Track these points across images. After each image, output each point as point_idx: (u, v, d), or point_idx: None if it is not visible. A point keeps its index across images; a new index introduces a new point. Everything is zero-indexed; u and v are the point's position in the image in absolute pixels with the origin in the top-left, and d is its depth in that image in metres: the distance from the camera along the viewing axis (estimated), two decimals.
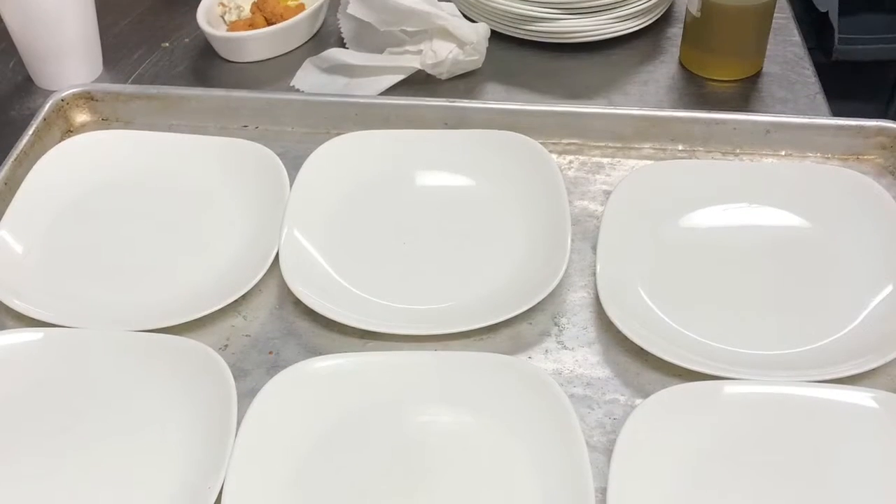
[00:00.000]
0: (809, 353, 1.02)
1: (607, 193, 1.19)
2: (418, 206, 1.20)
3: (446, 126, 1.29)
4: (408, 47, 1.40)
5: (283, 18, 1.48)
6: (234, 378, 0.98)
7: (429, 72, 1.39)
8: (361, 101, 1.32)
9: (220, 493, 0.89)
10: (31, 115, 1.31)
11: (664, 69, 1.44)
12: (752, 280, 1.10)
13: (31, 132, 1.27)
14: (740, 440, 0.94)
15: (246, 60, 1.49)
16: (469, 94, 1.40)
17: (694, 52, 1.42)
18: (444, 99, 1.30)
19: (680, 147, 1.27)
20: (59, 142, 1.29)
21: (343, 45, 1.48)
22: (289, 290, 1.07)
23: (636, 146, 1.28)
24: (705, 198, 1.18)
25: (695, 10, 1.36)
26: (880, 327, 1.03)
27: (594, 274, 1.08)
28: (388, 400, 0.99)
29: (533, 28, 1.45)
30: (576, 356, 1.04)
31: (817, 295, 1.08)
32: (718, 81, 1.41)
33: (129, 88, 1.36)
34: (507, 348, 1.05)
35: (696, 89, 1.40)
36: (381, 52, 1.42)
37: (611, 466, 0.90)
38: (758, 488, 0.91)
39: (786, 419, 0.95)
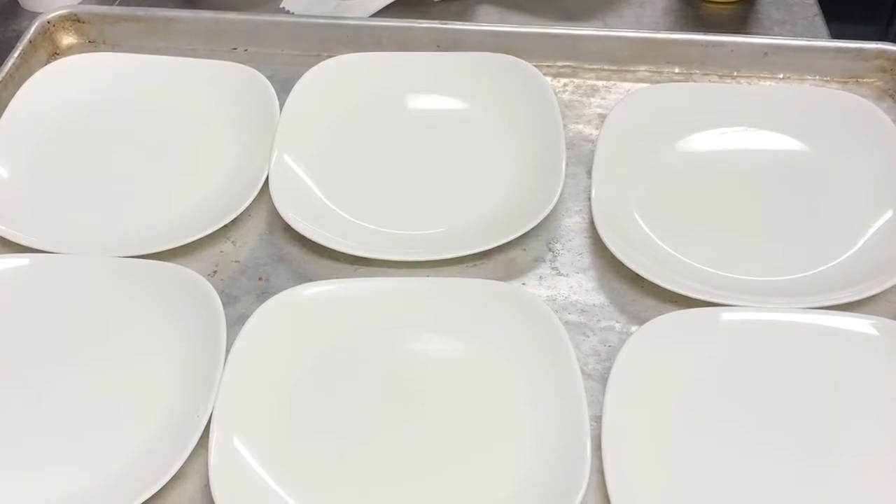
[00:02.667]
0: (808, 279, 1.01)
1: (602, 117, 1.17)
2: (410, 130, 1.19)
3: (439, 49, 1.27)
4: None
5: None
6: (224, 304, 0.97)
7: None
8: (353, 23, 1.30)
9: (209, 420, 0.88)
10: (17, 38, 1.29)
11: None
12: (750, 205, 1.09)
13: (16, 55, 1.26)
14: (737, 367, 0.93)
15: None
16: (462, 16, 1.38)
17: None
18: (436, 21, 1.29)
19: (676, 70, 1.26)
20: (46, 65, 1.27)
21: None
22: (279, 215, 1.05)
23: (632, 69, 1.26)
24: (702, 121, 1.16)
25: None
26: (880, 253, 1.02)
27: (589, 199, 1.07)
28: (379, 327, 0.98)
29: None
30: (570, 282, 1.03)
31: (816, 220, 1.07)
32: (715, 3, 1.39)
33: (117, 10, 1.34)
34: (501, 274, 1.04)
35: (693, 11, 1.38)
36: None
37: (606, 394, 0.89)
38: (755, 416, 0.91)
39: (784, 346, 0.94)
